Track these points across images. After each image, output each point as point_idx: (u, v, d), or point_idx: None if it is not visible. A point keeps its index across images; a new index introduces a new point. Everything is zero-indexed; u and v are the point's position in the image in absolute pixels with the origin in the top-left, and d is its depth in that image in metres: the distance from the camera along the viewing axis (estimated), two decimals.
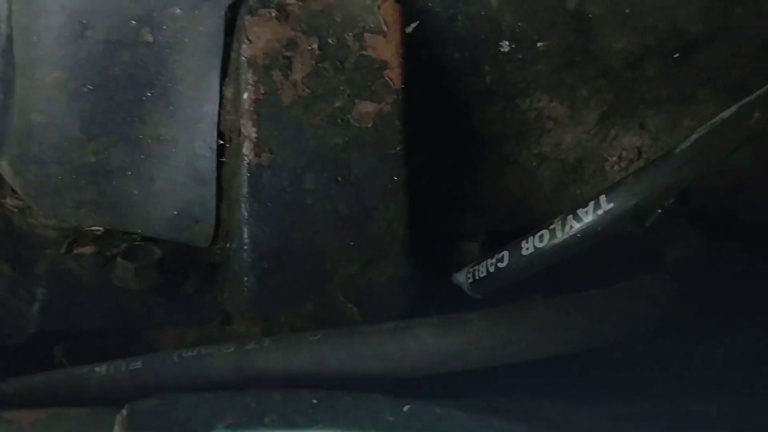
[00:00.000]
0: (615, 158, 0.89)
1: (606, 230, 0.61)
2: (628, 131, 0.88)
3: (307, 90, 0.70)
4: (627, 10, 0.78)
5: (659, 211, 0.77)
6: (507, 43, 0.78)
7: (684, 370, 0.74)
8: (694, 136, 0.60)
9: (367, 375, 0.53)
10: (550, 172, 0.88)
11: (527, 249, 0.65)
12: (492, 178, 0.85)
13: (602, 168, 0.89)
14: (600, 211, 0.61)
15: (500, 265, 0.67)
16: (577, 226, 0.62)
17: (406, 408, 0.50)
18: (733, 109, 0.60)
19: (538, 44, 0.79)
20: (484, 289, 0.70)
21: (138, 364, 0.54)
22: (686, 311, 0.64)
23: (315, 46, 0.70)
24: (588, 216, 0.61)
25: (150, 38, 0.70)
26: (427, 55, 0.77)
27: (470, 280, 0.71)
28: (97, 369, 0.54)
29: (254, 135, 0.69)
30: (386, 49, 0.71)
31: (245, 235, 0.68)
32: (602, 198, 0.61)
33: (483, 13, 0.76)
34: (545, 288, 0.78)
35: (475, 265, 0.71)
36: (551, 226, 0.64)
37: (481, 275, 0.69)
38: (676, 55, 0.83)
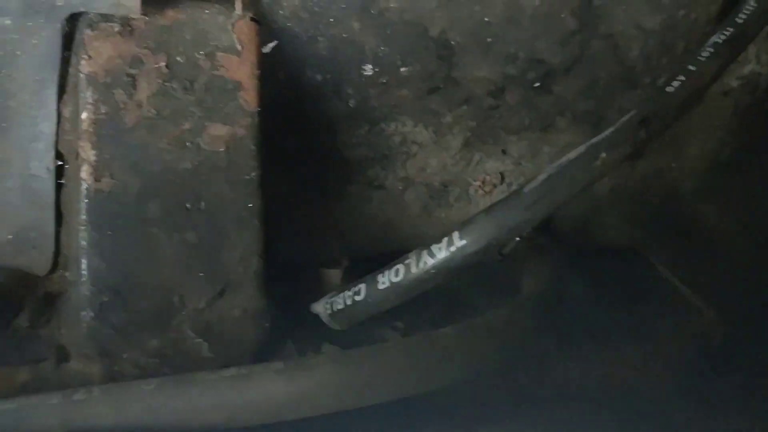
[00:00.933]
0: (479, 183, 0.89)
1: (460, 266, 0.61)
2: (491, 156, 0.89)
3: (152, 111, 0.65)
4: (489, 39, 0.79)
5: (517, 239, 0.78)
6: (370, 66, 0.77)
7: (533, 400, 0.75)
8: (542, 176, 0.61)
9: (207, 426, 0.50)
10: (415, 196, 0.87)
11: (383, 283, 0.63)
12: (356, 203, 0.83)
13: (467, 192, 0.90)
14: (453, 248, 0.60)
15: (357, 298, 0.65)
16: (431, 261, 0.61)
17: None
18: (581, 149, 0.61)
19: (402, 69, 0.78)
20: (342, 321, 0.69)
21: None
22: (537, 344, 0.65)
23: (162, 64, 0.66)
24: (442, 252, 0.61)
25: None
26: (287, 76, 0.74)
27: (329, 312, 0.69)
28: None
29: (93, 158, 0.64)
30: (240, 69, 0.68)
31: (83, 267, 0.63)
32: (455, 234, 0.61)
33: (345, 35, 0.74)
34: (408, 316, 0.78)
35: (333, 297, 0.69)
36: (406, 261, 0.63)
37: (339, 307, 0.68)
38: (537, 84, 0.84)
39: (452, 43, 0.78)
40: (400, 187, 0.86)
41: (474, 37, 0.78)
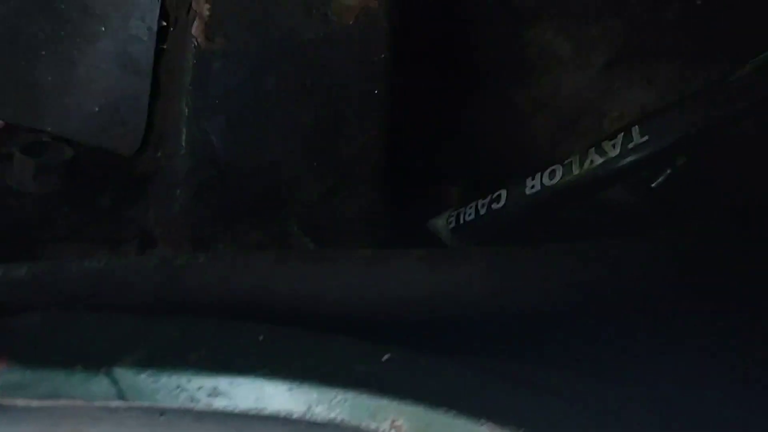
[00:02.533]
0: (616, 114, 0.78)
1: (634, 169, 0.50)
2: (634, 85, 0.78)
3: None
4: None
5: (668, 171, 0.67)
6: None
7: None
8: (749, 66, 0.50)
9: (333, 313, 0.40)
10: (544, 122, 0.76)
11: (532, 187, 0.53)
12: (485, 117, 0.73)
13: (600, 124, 0.78)
14: (631, 145, 0.50)
15: (495, 206, 0.55)
16: (599, 161, 0.50)
17: (385, 357, 0.37)
18: None
19: None
20: (467, 235, 0.58)
21: (21, 272, 0.39)
22: (705, 280, 0.53)
23: None
24: (615, 149, 0.50)
25: None
26: None
27: (452, 225, 0.59)
28: None
29: (207, 13, 0.55)
30: None
31: (183, 136, 0.55)
32: (635, 129, 0.50)
33: None
34: None
35: (459, 208, 0.59)
36: (566, 161, 0.52)
37: (469, 218, 0.57)
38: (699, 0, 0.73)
39: None
40: (530, 109, 0.75)
41: None
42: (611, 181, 0.51)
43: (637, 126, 0.50)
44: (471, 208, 0.57)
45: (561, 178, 0.52)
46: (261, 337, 0.37)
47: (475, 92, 0.72)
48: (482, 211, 0.56)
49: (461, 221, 0.58)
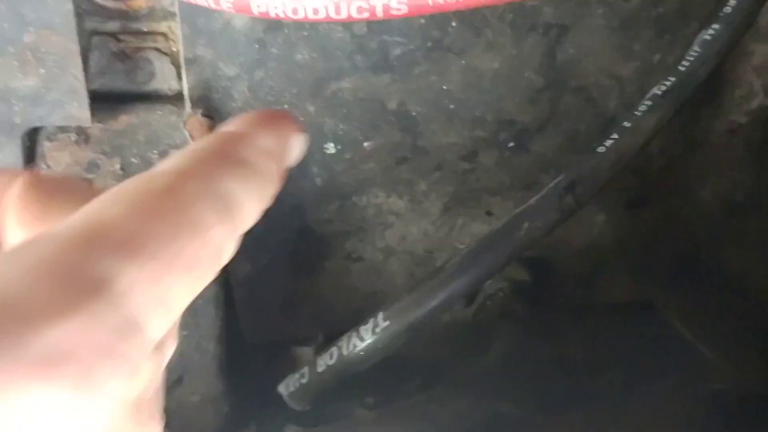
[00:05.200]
0: (464, 246, 0.88)
1: (388, 347, 0.60)
2: (476, 219, 0.88)
3: None
4: (451, 106, 0.79)
5: (488, 302, 0.76)
6: (332, 145, 0.79)
7: None
8: (464, 250, 0.59)
9: None
10: (398, 265, 0.87)
11: (321, 366, 0.64)
12: (333, 277, 0.84)
13: (457, 255, 0.88)
14: (378, 329, 0.60)
15: (302, 381, 0.66)
16: (360, 344, 0.61)
17: None
18: (504, 219, 0.59)
19: (365, 144, 0.79)
20: (298, 402, 0.69)
21: None
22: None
23: (117, 166, 0.70)
24: (368, 334, 0.60)
25: None
26: None
27: (286, 393, 0.70)
28: None
29: None
30: None
31: None
32: (380, 316, 0.60)
33: (302, 119, 0.76)
34: (383, 390, 0.77)
35: (288, 378, 0.70)
36: (339, 344, 0.63)
37: (291, 390, 0.68)
38: (511, 144, 0.82)
39: (413, 113, 0.78)
40: (381, 257, 0.86)
41: (435, 106, 0.78)
42: (377, 356, 0.61)
43: (381, 312, 0.60)
44: (291, 380, 0.68)
45: (337, 359, 0.62)
46: None
47: (323, 258, 0.83)
48: (296, 385, 0.67)
49: (290, 390, 0.69)
